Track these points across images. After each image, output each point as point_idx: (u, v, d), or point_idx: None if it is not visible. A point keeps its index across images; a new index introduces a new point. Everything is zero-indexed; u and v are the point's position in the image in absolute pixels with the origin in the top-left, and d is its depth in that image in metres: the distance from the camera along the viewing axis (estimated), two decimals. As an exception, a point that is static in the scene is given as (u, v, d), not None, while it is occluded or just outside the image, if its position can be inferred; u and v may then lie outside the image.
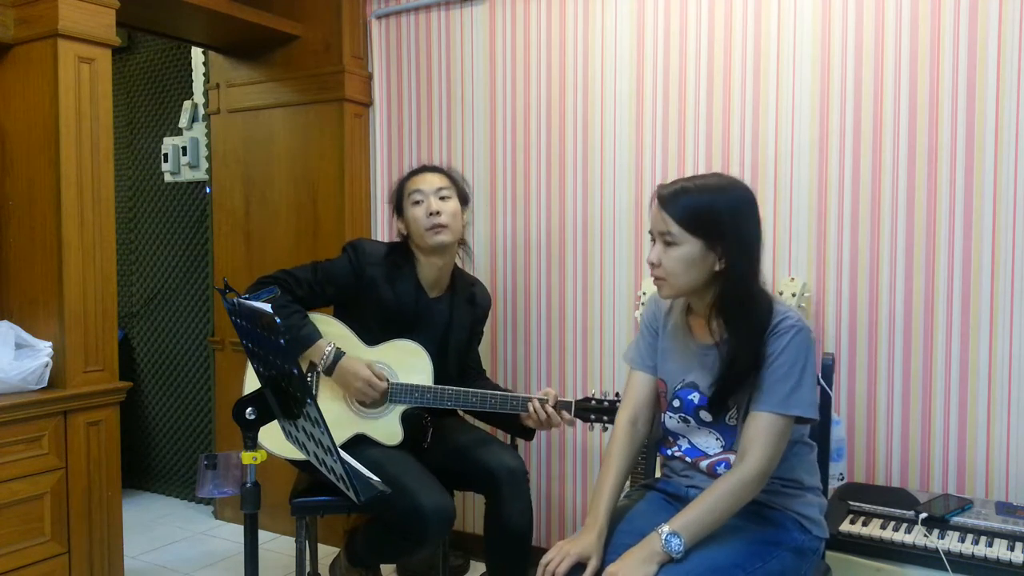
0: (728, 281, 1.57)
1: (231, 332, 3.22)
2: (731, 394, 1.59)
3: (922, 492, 2.13)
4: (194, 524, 3.46)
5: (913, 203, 2.25)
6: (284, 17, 3.04)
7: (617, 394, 2.14)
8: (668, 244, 1.58)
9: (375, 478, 1.51)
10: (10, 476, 2.23)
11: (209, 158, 3.38)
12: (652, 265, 1.61)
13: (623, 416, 1.74)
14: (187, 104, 3.61)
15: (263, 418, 1.48)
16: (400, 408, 2.21)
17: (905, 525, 1.93)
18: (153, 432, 3.87)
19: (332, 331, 2.24)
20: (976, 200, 2.17)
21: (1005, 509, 1.97)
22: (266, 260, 3.17)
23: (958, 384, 2.21)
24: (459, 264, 2.45)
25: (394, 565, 2.86)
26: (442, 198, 2.30)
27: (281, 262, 3.00)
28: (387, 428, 2.20)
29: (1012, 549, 1.79)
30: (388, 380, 2.19)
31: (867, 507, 2.02)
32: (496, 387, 2.40)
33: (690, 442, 1.70)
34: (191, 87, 3.63)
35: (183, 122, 3.63)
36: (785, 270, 2.42)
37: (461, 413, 2.47)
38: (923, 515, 1.93)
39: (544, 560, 1.57)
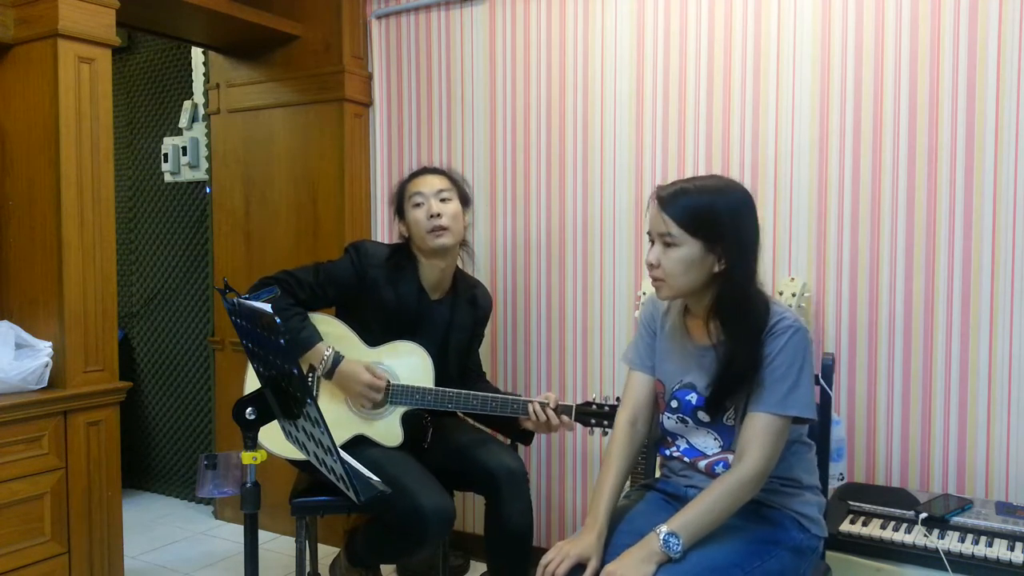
0: (726, 282, 1.57)
1: (231, 332, 3.23)
2: (728, 395, 1.59)
3: (922, 492, 2.13)
4: (194, 524, 3.46)
5: (913, 203, 2.25)
6: (284, 17, 3.04)
7: (618, 398, 2.14)
8: (668, 245, 1.58)
9: (375, 478, 1.51)
10: (10, 476, 2.23)
11: (209, 158, 3.38)
12: (651, 266, 1.61)
13: (622, 417, 1.75)
14: (187, 104, 3.62)
15: (263, 418, 1.48)
16: (401, 409, 2.21)
17: (905, 525, 1.93)
18: (153, 432, 3.87)
19: (333, 332, 2.24)
20: (976, 200, 2.17)
21: (1005, 509, 1.97)
22: (266, 260, 3.17)
23: (958, 384, 2.21)
24: (461, 265, 2.45)
25: (394, 565, 2.86)
26: (443, 200, 2.29)
27: (281, 262, 3.00)
28: (387, 429, 2.20)
29: (1012, 549, 1.79)
30: (388, 380, 2.19)
31: (867, 507, 2.01)
32: (496, 390, 2.39)
33: (688, 442, 1.70)
34: (191, 87, 3.63)
35: (183, 122, 3.63)
36: (785, 270, 2.42)
37: (461, 414, 2.47)
38: (923, 515, 1.93)
39: (544, 560, 1.57)
